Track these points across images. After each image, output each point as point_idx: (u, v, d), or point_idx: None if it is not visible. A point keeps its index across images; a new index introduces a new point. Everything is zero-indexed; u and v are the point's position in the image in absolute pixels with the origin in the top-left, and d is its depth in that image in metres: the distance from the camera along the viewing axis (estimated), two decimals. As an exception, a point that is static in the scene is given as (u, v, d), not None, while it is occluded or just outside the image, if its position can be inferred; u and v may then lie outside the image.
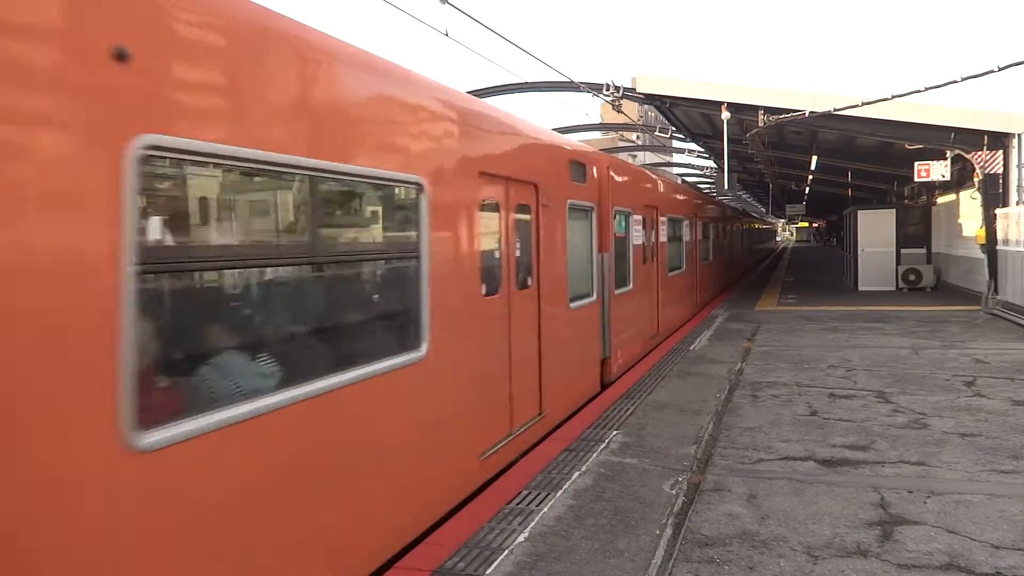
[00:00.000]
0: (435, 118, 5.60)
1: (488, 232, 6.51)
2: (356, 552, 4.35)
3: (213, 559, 3.28)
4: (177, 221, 3.49)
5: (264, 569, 3.60)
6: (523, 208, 7.39)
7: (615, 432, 7.32)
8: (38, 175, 2.60)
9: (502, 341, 6.72)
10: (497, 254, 6.77)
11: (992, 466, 6.14)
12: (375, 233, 5.23)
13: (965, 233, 20.80)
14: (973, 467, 6.13)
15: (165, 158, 3.15)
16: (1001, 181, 16.93)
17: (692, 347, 12.65)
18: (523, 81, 20.36)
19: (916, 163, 19.09)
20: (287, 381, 3.83)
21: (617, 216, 10.61)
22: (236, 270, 3.94)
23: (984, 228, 17.29)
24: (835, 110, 15.39)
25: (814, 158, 24.43)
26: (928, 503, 5.36)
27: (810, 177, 31.34)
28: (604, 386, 9.82)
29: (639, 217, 12.01)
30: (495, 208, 6.71)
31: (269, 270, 4.15)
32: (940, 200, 24.94)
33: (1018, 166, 16.92)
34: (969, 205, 19.53)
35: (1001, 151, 16.92)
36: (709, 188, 40.48)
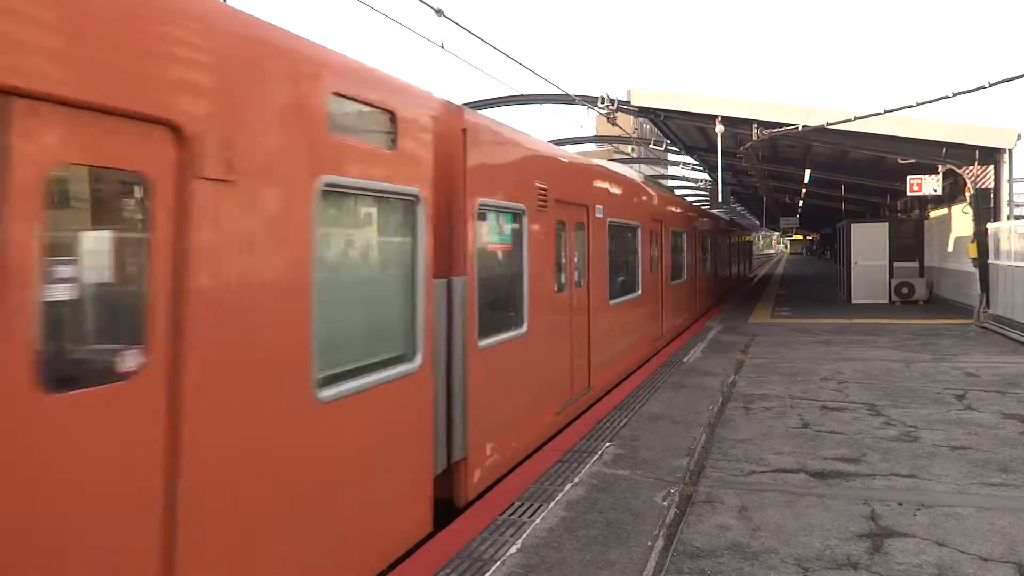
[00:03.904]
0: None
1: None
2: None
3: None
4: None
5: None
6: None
7: (608, 444, 7.34)
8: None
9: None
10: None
11: (982, 479, 6.18)
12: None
13: (957, 247, 20.93)
14: (963, 480, 6.17)
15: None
16: (992, 196, 17.06)
17: (686, 359, 12.68)
18: (519, 93, 20.42)
19: (908, 177, 19.24)
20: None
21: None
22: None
23: (976, 242, 17.41)
24: (828, 124, 15.49)
25: (807, 171, 24.56)
26: (918, 516, 5.39)
27: (804, 190, 31.49)
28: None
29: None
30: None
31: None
32: (933, 214, 25.09)
33: (1009, 181, 17.06)
34: (961, 219, 19.66)
35: (992, 166, 17.04)
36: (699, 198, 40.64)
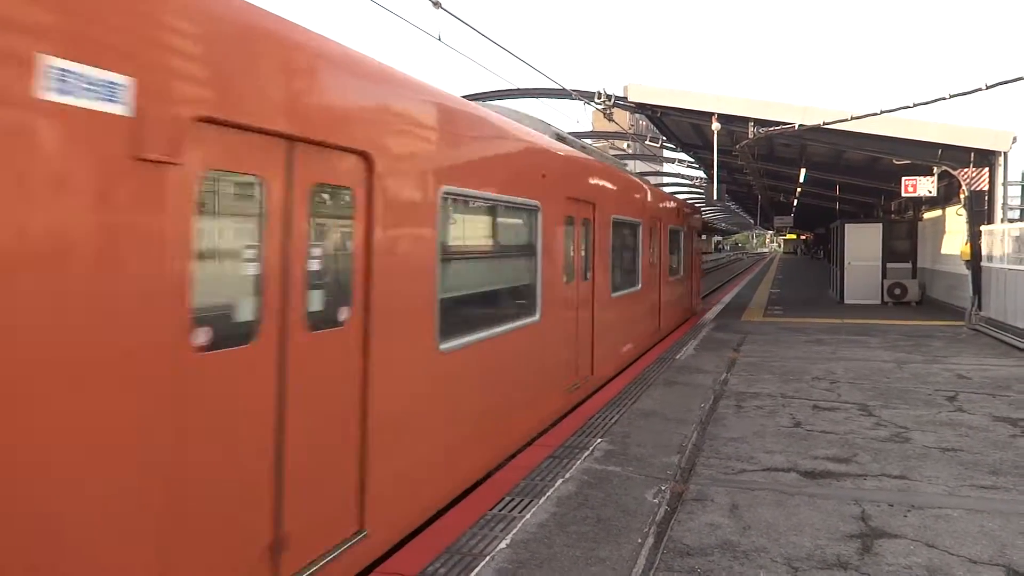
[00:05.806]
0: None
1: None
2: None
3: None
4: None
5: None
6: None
7: (599, 440, 7.32)
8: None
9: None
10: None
11: (972, 481, 6.18)
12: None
13: (950, 249, 20.98)
14: (953, 482, 6.17)
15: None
16: (987, 198, 17.10)
17: (678, 356, 12.68)
18: (515, 87, 20.37)
19: (903, 178, 19.25)
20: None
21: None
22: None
23: (969, 244, 17.45)
24: (824, 124, 15.49)
25: (803, 171, 24.59)
26: (908, 517, 5.39)
27: (798, 190, 31.53)
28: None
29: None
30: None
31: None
32: (926, 216, 25.15)
33: (1004, 184, 17.10)
34: (955, 221, 19.71)
35: (987, 168, 17.08)
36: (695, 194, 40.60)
